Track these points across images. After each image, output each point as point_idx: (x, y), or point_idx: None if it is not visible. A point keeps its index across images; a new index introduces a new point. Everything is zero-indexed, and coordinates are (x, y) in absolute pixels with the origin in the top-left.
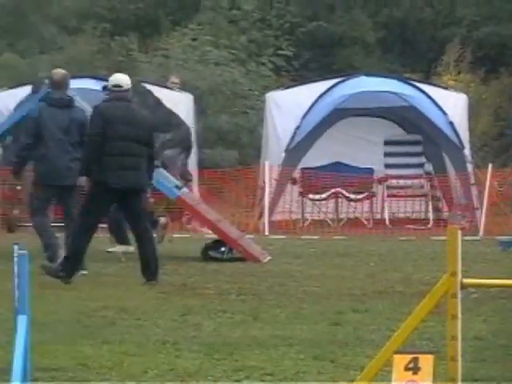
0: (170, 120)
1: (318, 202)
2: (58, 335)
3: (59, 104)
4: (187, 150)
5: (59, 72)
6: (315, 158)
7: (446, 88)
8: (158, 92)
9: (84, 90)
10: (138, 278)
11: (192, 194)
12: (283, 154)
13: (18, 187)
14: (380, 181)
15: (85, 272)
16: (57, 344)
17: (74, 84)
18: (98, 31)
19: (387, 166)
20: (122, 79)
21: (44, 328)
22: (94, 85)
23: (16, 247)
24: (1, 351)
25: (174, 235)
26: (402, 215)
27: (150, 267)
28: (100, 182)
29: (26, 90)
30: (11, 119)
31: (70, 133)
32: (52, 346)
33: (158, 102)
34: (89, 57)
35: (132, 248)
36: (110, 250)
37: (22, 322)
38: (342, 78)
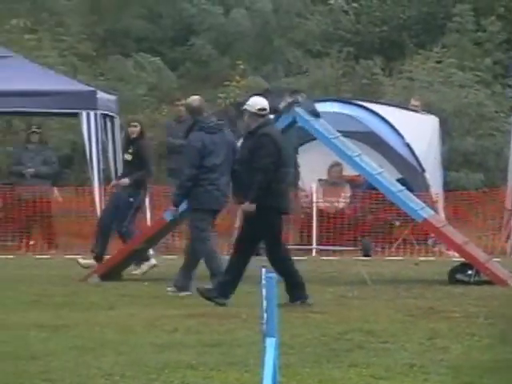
0: None
1: None
2: (305, 358)
3: (214, 130)
4: None
5: (196, 98)
6: None
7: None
8: (403, 114)
9: (328, 113)
10: (384, 300)
11: (438, 216)
12: None
13: None
14: None
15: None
16: (304, 367)
17: (318, 107)
18: (342, 54)
19: None
20: (264, 102)
21: (291, 350)
22: (338, 108)
23: (264, 270)
24: (248, 374)
25: (420, 258)
26: None
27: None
28: (272, 207)
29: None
30: None
31: (226, 157)
32: (299, 368)
33: None
34: (333, 80)
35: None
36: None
37: (271, 344)
38: None
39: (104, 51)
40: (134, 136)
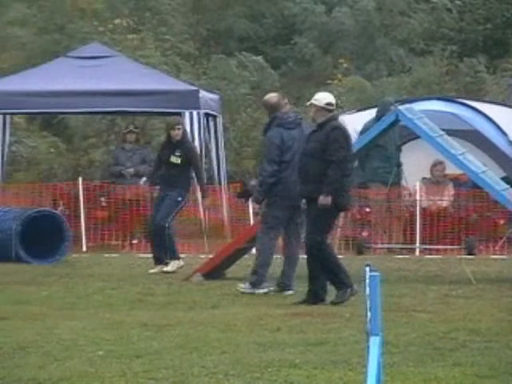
0: None
1: None
2: (409, 357)
3: (292, 125)
4: None
5: (274, 95)
6: None
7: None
8: (507, 113)
9: (432, 111)
10: (488, 299)
11: None
12: None
13: (367, 209)
14: None
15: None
16: (407, 366)
17: (422, 106)
18: (446, 53)
19: None
20: (331, 96)
21: (395, 349)
22: (442, 106)
23: (367, 269)
24: (352, 372)
25: None
26: None
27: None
28: (336, 203)
29: (373, 113)
30: (358, 143)
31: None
32: (403, 367)
33: None
34: (437, 78)
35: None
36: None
37: (375, 343)
38: None
39: (207, 50)
40: (178, 139)
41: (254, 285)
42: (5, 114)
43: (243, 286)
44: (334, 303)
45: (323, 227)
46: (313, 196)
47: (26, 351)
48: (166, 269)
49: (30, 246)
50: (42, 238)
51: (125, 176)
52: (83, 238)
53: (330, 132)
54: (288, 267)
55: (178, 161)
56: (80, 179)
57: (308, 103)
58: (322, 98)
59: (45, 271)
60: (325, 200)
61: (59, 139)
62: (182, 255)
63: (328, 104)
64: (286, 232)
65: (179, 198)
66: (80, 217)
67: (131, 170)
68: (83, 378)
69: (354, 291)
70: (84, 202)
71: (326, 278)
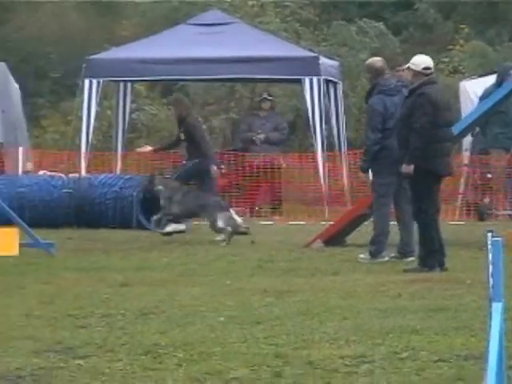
0: None
1: None
2: None
3: (394, 92)
4: None
5: (379, 59)
6: None
7: None
8: None
9: None
10: None
11: None
12: None
13: (489, 175)
14: None
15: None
16: None
17: None
18: None
19: None
20: (429, 60)
21: None
22: None
23: (489, 234)
24: (474, 338)
25: None
26: None
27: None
28: (429, 170)
29: (494, 79)
30: (478, 109)
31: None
32: None
33: None
34: None
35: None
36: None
37: (497, 309)
38: None
39: (327, 17)
40: (177, 116)
41: (374, 255)
42: (126, 82)
43: (363, 257)
44: (405, 270)
45: (420, 195)
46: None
47: (147, 317)
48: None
49: (150, 213)
50: None
51: (255, 142)
52: None
53: (416, 98)
54: (404, 233)
55: (183, 137)
56: None
57: (405, 67)
58: (420, 62)
59: (165, 238)
60: (407, 169)
61: None
62: (302, 222)
63: (425, 68)
64: (395, 198)
65: (189, 163)
66: None
67: (261, 137)
68: (204, 343)
69: (430, 270)
70: None
71: (420, 246)
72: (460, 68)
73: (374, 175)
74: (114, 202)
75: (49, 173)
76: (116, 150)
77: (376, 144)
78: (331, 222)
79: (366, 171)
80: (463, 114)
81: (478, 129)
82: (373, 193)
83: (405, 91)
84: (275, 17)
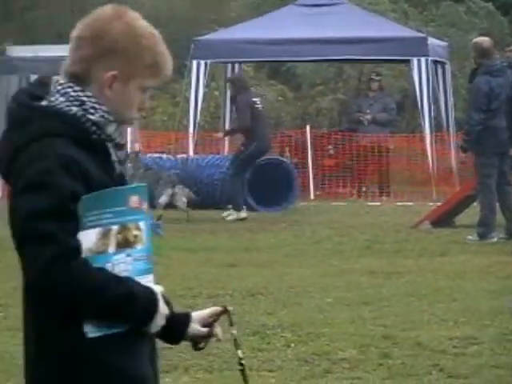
0: None
1: None
2: None
3: (499, 73)
4: None
5: (486, 39)
6: None
7: None
8: None
9: None
10: None
11: None
12: None
13: None
14: None
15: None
16: None
17: None
18: None
19: None
20: None
21: None
22: None
23: None
24: None
25: None
26: None
27: None
28: None
29: None
30: None
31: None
32: None
33: None
34: None
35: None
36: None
37: None
38: None
39: None
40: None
41: (482, 236)
42: (233, 63)
43: (471, 238)
44: None
45: None
46: None
47: (255, 297)
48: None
49: (258, 194)
50: (271, 186)
51: (363, 123)
52: (311, 186)
53: None
54: (510, 214)
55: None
56: (308, 127)
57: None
58: None
59: (273, 219)
60: None
61: (287, 87)
62: (409, 203)
63: None
64: (496, 179)
65: (242, 148)
66: (308, 165)
67: (369, 117)
68: (312, 324)
69: None
70: (311, 150)
71: None
72: None
73: (477, 156)
74: (222, 182)
75: (156, 154)
76: (224, 131)
77: (479, 125)
78: (439, 203)
79: (466, 151)
80: None
81: None
82: (477, 174)
83: (510, 72)
84: None
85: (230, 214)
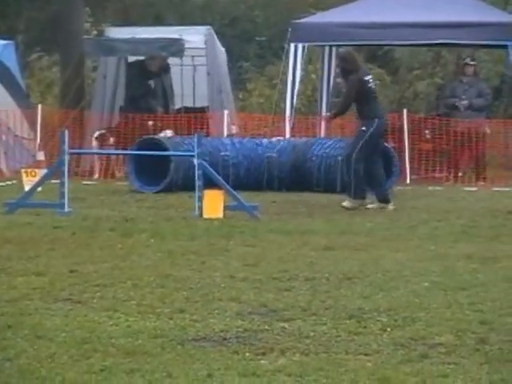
0: None
1: None
2: None
3: None
4: None
5: None
6: None
7: None
8: None
9: None
10: None
11: None
12: None
13: None
14: None
15: None
16: None
17: None
18: None
19: None
20: None
21: None
22: None
23: None
24: None
25: None
26: None
27: None
28: None
29: None
30: None
31: None
32: None
33: None
34: None
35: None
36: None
37: None
38: None
39: None
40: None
41: None
42: (330, 46)
43: None
44: None
45: None
46: None
47: (351, 281)
48: (343, 204)
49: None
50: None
51: (459, 108)
52: (407, 170)
53: None
54: None
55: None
56: (405, 111)
57: None
58: None
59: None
60: None
61: (384, 71)
62: (506, 189)
63: None
64: None
65: (363, 128)
66: (404, 149)
67: (465, 103)
68: (408, 308)
69: None
70: (408, 135)
71: None
72: None
73: None
74: (320, 160)
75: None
76: (320, 114)
77: None
78: None
79: None
80: None
81: None
82: None
83: None
84: None
85: (371, 203)
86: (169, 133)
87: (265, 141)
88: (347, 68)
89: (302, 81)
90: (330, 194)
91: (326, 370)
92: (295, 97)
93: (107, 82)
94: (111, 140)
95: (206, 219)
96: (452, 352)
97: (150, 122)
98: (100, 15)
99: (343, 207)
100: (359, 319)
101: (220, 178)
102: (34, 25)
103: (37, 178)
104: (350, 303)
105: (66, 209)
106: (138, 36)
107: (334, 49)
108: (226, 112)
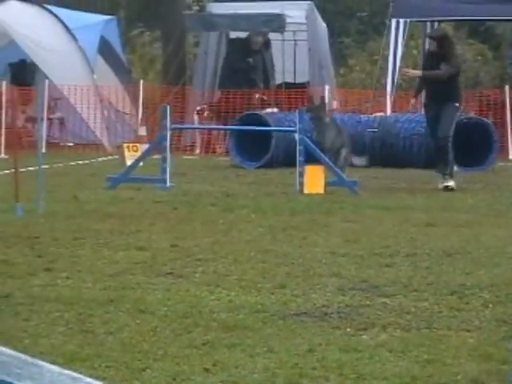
0: None
1: None
2: None
3: None
4: None
5: None
6: None
7: None
8: None
9: None
10: None
11: None
12: None
13: None
14: None
15: None
16: None
17: None
18: None
19: None
20: None
21: None
22: None
23: None
24: None
25: None
26: None
27: None
28: None
29: None
30: None
31: None
32: None
33: None
34: None
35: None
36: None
37: None
38: None
39: None
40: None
41: None
42: (432, 22)
43: None
44: None
45: None
46: None
47: (453, 257)
48: (447, 184)
49: (459, 153)
50: (471, 145)
51: None
52: (509, 146)
53: None
54: None
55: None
56: (506, 87)
57: None
58: None
59: (471, 179)
60: None
61: (486, 46)
62: None
63: None
64: None
65: (457, 104)
66: (506, 125)
67: None
68: (511, 285)
69: None
70: (510, 110)
71: None
72: None
73: None
74: (420, 137)
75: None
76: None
77: None
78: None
79: None
80: None
81: None
82: None
83: None
84: None
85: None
86: (274, 110)
87: (364, 117)
88: (448, 48)
89: (403, 56)
90: (430, 171)
91: (427, 345)
92: (396, 73)
93: (208, 57)
94: (206, 114)
95: (306, 195)
96: None
97: (257, 95)
98: None
99: (451, 189)
100: (461, 295)
101: (321, 153)
102: (135, 1)
103: (138, 153)
104: (451, 279)
105: (168, 184)
106: (239, 11)
107: (435, 24)
108: (326, 87)
